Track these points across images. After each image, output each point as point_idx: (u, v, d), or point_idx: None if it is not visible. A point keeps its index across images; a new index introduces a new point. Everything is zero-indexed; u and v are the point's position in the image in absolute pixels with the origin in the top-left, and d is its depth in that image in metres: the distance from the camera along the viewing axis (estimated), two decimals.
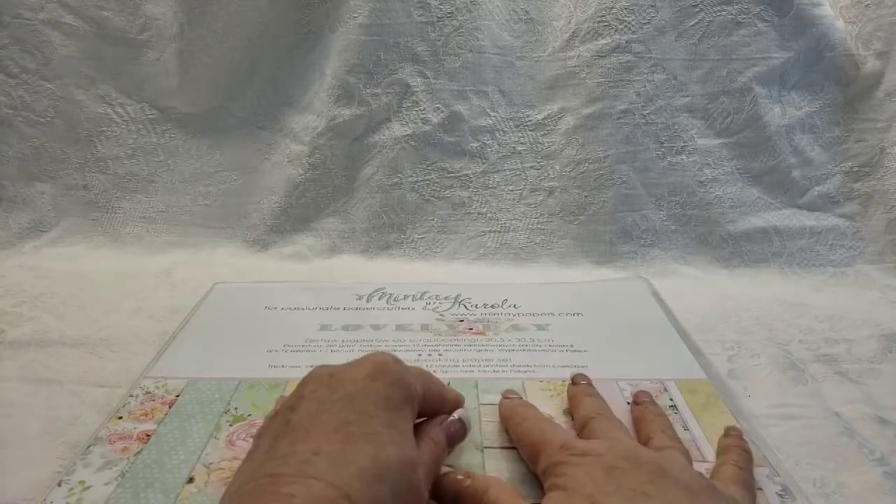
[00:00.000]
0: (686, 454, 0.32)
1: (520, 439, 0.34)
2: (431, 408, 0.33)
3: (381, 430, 0.27)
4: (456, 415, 0.33)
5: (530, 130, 0.66)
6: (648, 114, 0.64)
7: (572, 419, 0.37)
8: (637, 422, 0.37)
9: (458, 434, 0.33)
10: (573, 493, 0.27)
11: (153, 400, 0.40)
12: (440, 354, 0.46)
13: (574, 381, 0.40)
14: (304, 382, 0.30)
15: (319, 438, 0.26)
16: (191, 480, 0.33)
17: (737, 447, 0.34)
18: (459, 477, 0.31)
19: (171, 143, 0.67)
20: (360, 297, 0.55)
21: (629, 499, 0.26)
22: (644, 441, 0.34)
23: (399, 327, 0.50)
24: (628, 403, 0.39)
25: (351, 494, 0.24)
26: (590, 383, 0.40)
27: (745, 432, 0.36)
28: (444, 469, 0.31)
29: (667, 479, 0.27)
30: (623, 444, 0.30)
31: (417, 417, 0.31)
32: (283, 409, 0.29)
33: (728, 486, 0.30)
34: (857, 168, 0.65)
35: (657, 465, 0.28)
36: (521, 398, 0.39)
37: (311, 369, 0.31)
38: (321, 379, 0.29)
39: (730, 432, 0.36)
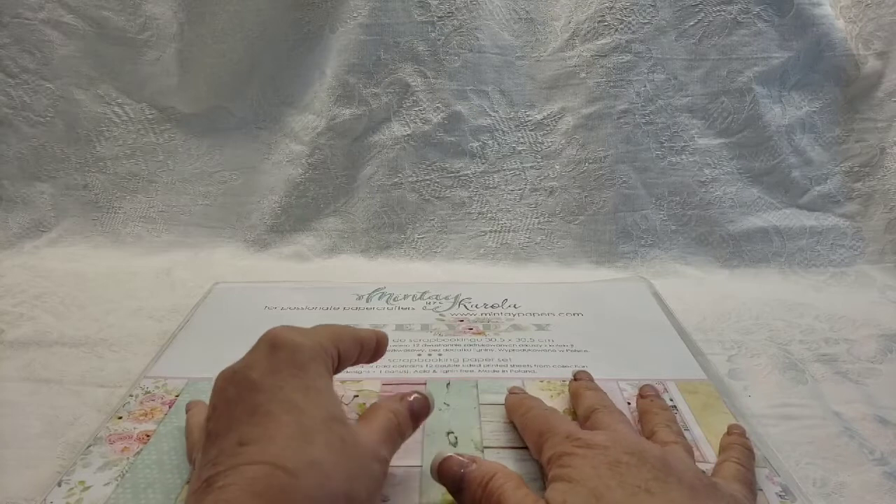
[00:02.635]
0: (689, 451, 0.33)
1: (524, 428, 0.35)
2: (352, 354, 0.32)
3: (295, 396, 0.27)
4: (422, 392, 0.34)
5: (530, 130, 0.66)
6: (649, 114, 0.64)
7: (575, 416, 0.37)
8: (642, 415, 0.37)
9: (422, 409, 0.33)
10: (577, 486, 0.27)
11: (153, 400, 0.40)
12: (440, 354, 0.46)
13: (575, 377, 0.40)
14: (212, 392, 0.29)
15: (240, 430, 0.26)
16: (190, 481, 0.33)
17: (739, 445, 0.34)
18: (464, 460, 0.30)
19: (171, 143, 0.67)
20: (360, 297, 0.55)
21: (632, 494, 0.26)
22: (648, 435, 0.34)
23: (399, 327, 0.50)
24: (629, 404, 0.39)
25: (285, 464, 0.24)
26: (591, 378, 0.40)
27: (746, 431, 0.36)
28: (447, 454, 0.31)
29: (670, 476, 0.27)
30: (628, 438, 0.30)
31: (345, 365, 0.32)
32: (204, 424, 0.29)
33: (730, 484, 0.30)
34: (857, 168, 0.65)
35: (661, 461, 0.28)
36: (525, 393, 0.39)
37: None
38: (225, 379, 0.29)
39: (732, 430, 0.36)
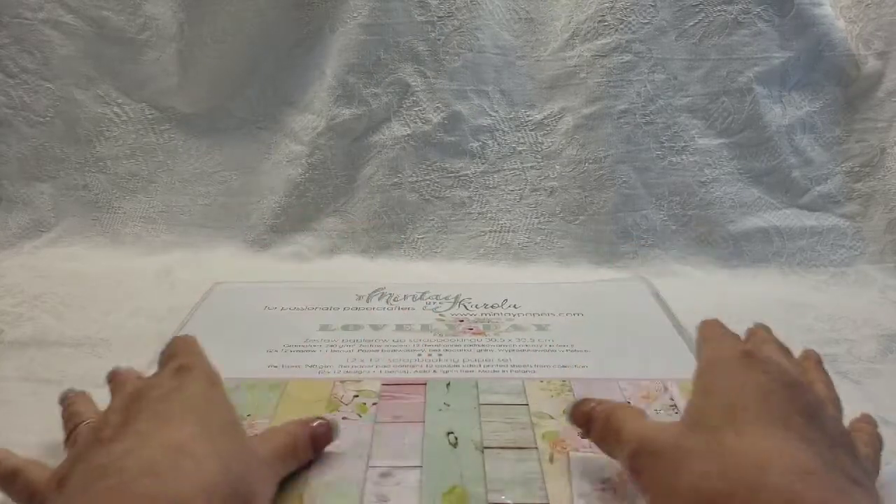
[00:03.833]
0: (830, 386, 0.33)
1: (702, 334, 0.35)
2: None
3: (203, 405, 0.29)
4: (327, 418, 0.34)
5: (530, 130, 0.66)
6: (649, 114, 0.64)
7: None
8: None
9: (324, 434, 0.34)
10: (714, 396, 0.27)
11: None
12: (440, 354, 0.46)
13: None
14: (109, 408, 0.30)
15: (144, 427, 0.27)
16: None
17: (868, 432, 0.33)
18: (592, 404, 0.33)
19: (171, 143, 0.67)
20: (360, 297, 0.55)
21: (769, 423, 0.25)
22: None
23: (399, 327, 0.50)
24: (629, 402, 0.39)
25: (188, 449, 0.25)
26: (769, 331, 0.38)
27: None
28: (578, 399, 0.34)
29: (814, 420, 0.25)
30: (790, 371, 0.29)
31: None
32: (89, 438, 0.28)
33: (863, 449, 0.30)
34: (857, 168, 0.65)
35: (813, 406, 0.26)
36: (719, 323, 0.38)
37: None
38: (129, 397, 0.30)
39: (864, 419, 0.34)
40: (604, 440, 0.32)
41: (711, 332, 0.35)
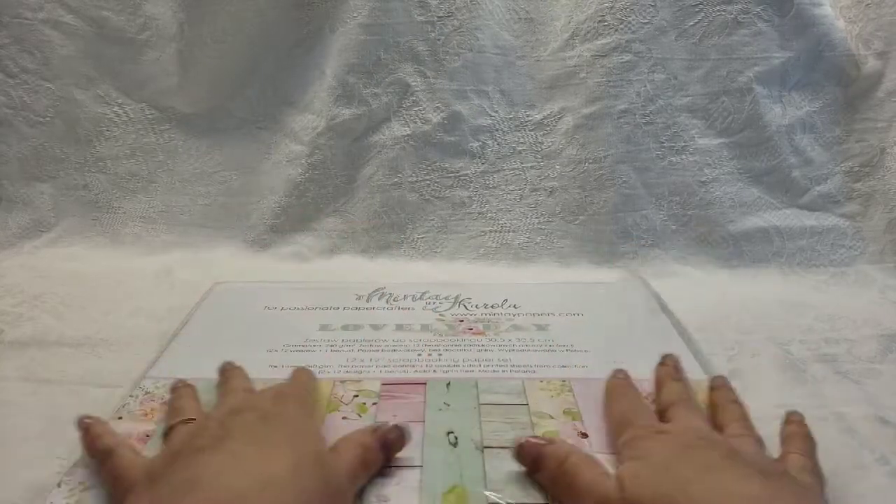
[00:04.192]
0: (760, 442, 0.33)
1: (610, 413, 0.36)
2: (320, 403, 0.38)
3: (297, 436, 0.30)
4: (400, 424, 0.34)
5: (530, 130, 0.66)
6: (649, 113, 0.64)
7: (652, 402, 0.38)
8: (713, 409, 0.37)
9: (396, 440, 0.33)
10: (648, 462, 0.29)
11: (153, 400, 0.40)
12: (440, 354, 0.46)
13: (663, 361, 0.41)
14: (207, 417, 0.33)
15: (237, 448, 0.28)
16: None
17: (800, 434, 0.34)
18: (542, 441, 0.32)
19: (171, 143, 0.67)
20: (360, 297, 0.55)
21: (701, 470, 0.27)
22: (718, 429, 0.34)
23: (399, 327, 0.50)
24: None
25: (278, 482, 0.26)
26: (677, 366, 0.40)
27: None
28: (525, 436, 0.33)
29: (738, 458, 0.28)
30: (701, 429, 0.32)
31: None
32: (187, 439, 0.30)
33: (800, 475, 0.30)
34: (857, 168, 0.65)
35: (731, 448, 0.29)
36: (627, 377, 0.40)
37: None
38: (227, 411, 0.32)
39: (791, 418, 0.35)
40: (555, 487, 0.31)
41: (621, 398, 0.37)
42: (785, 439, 0.34)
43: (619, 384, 0.39)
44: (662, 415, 0.35)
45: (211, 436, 0.29)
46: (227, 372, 0.40)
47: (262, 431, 0.29)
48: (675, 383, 0.38)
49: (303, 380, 0.38)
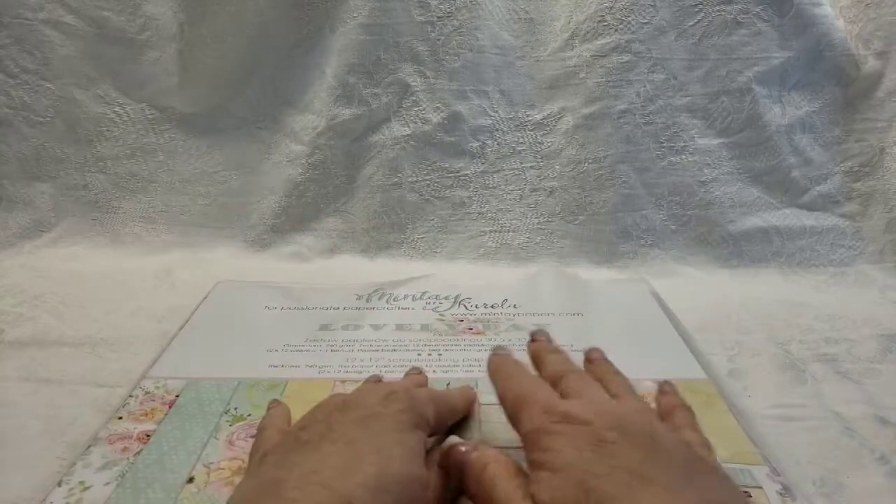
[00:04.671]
0: (638, 398, 0.32)
1: (503, 396, 0.32)
2: (445, 422, 0.34)
3: (390, 446, 0.28)
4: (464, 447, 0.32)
5: (530, 130, 0.66)
6: (648, 114, 0.64)
7: None
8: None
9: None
10: (562, 476, 0.25)
11: (153, 400, 0.40)
12: (440, 354, 0.46)
13: (534, 337, 0.37)
14: (316, 407, 0.31)
15: (329, 451, 0.27)
16: (191, 480, 0.33)
17: (680, 406, 0.33)
18: (466, 449, 0.30)
19: (171, 143, 0.67)
20: (360, 297, 0.55)
21: (626, 484, 0.24)
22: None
23: (399, 327, 0.50)
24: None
25: (353, 502, 0.24)
26: (549, 339, 0.37)
27: (746, 429, 0.36)
28: (453, 442, 0.31)
29: (660, 454, 0.26)
30: (606, 408, 0.29)
31: (434, 434, 0.32)
32: (294, 430, 0.30)
33: (702, 451, 0.29)
34: (857, 168, 0.65)
35: (646, 434, 0.27)
36: (510, 354, 0.36)
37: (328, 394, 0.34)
38: (334, 404, 0.31)
39: (665, 388, 0.34)
40: (476, 500, 0.29)
41: (509, 378, 0.33)
42: (667, 412, 0.32)
43: (502, 361, 0.35)
44: (554, 389, 0.32)
45: (315, 431, 0.29)
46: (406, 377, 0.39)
47: (358, 434, 0.28)
48: (553, 355, 0.35)
49: (447, 391, 0.37)
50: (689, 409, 0.33)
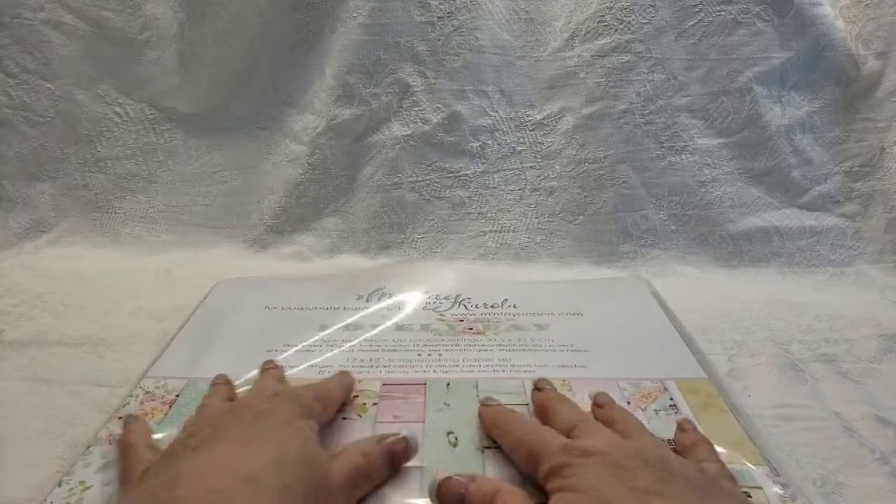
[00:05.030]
0: (648, 432, 0.32)
1: (513, 448, 0.33)
2: (332, 411, 0.37)
3: (286, 434, 0.29)
4: (403, 433, 0.33)
5: (530, 130, 0.66)
6: (648, 113, 0.64)
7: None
8: (598, 418, 0.35)
9: (402, 452, 0.33)
10: (583, 495, 0.26)
11: (153, 400, 0.40)
12: (440, 354, 0.46)
13: (538, 386, 0.38)
14: (198, 417, 0.32)
15: (221, 448, 0.28)
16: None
17: (701, 441, 0.33)
18: (463, 480, 0.30)
19: (171, 143, 0.67)
20: (360, 297, 0.55)
21: (642, 500, 0.26)
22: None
23: (399, 327, 0.50)
24: (628, 402, 0.39)
25: (257, 477, 0.26)
26: (552, 386, 0.38)
27: (746, 429, 0.36)
28: (445, 474, 0.31)
29: (675, 476, 0.27)
30: (622, 442, 0.30)
31: (322, 423, 0.34)
32: (179, 440, 0.30)
33: (722, 482, 0.30)
34: (857, 168, 0.65)
35: (662, 460, 0.28)
36: (500, 404, 0.37)
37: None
38: (220, 410, 0.32)
39: (684, 426, 0.34)
40: None
41: (516, 429, 0.34)
42: (686, 449, 0.33)
43: (497, 413, 0.36)
44: (568, 437, 0.32)
45: (202, 436, 0.29)
46: (262, 372, 0.40)
47: (250, 430, 0.29)
48: (562, 405, 0.36)
49: (326, 383, 0.38)
50: (708, 442, 0.33)
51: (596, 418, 0.35)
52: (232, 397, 0.38)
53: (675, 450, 0.33)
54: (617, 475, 0.27)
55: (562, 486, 0.28)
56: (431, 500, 0.30)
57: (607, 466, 0.27)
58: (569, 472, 0.28)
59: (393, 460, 0.33)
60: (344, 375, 0.40)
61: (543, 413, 0.36)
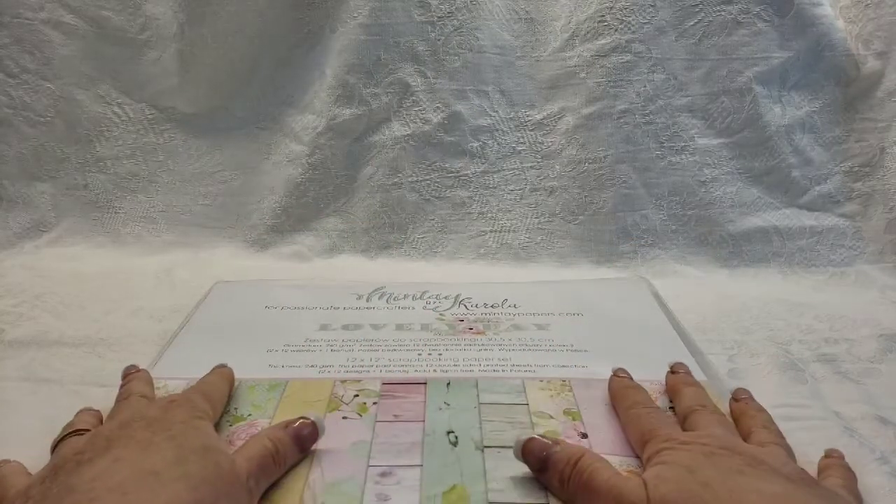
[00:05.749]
0: (789, 451, 0.33)
1: (628, 424, 0.36)
2: (220, 408, 0.37)
3: (184, 432, 0.30)
4: (310, 417, 0.34)
5: (530, 130, 0.66)
6: (648, 113, 0.64)
7: (671, 409, 0.38)
8: (737, 418, 0.37)
9: (309, 435, 0.34)
10: (672, 465, 0.29)
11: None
12: (440, 354, 0.46)
13: (673, 369, 0.41)
14: (93, 435, 0.31)
15: (118, 455, 0.28)
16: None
17: (838, 464, 0.33)
18: (548, 442, 0.32)
19: (171, 143, 0.68)
20: (360, 297, 0.55)
21: (724, 473, 0.28)
22: (744, 436, 0.34)
23: (399, 327, 0.50)
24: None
25: (157, 471, 0.26)
26: (688, 372, 0.40)
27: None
28: (529, 435, 0.33)
29: (763, 465, 0.29)
30: (724, 437, 0.32)
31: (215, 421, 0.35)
32: (68, 459, 0.28)
33: (837, 490, 0.30)
34: (857, 168, 0.65)
35: (755, 456, 0.29)
36: (629, 377, 0.40)
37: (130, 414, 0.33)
38: (109, 429, 0.31)
39: (831, 454, 0.34)
40: (567, 487, 0.30)
41: (633, 408, 0.36)
42: (822, 469, 0.33)
43: (623, 385, 0.39)
44: (683, 422, 0.35)
45: (95, 449, 0.28)
46: (127, 377, 0.39)
47: (146, 436, 0.29)
48: (689, 388, 0.38)
49: (209, 380, 0.39)
50: (849, 469, 0.33)
51: (731, 412, 0.37)
52: (101, 419, 0.36)
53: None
54: (709, 458, 0.29)
55: (655, 462, 0.30)
56: (516, 456, 0.32)
57: (701, 451, 0.30)
58: (664, 456, 0.30)
59: (301, 443, 0.33)
60: (223, 369, 0.41)
61: (672, 393, 0.39)
